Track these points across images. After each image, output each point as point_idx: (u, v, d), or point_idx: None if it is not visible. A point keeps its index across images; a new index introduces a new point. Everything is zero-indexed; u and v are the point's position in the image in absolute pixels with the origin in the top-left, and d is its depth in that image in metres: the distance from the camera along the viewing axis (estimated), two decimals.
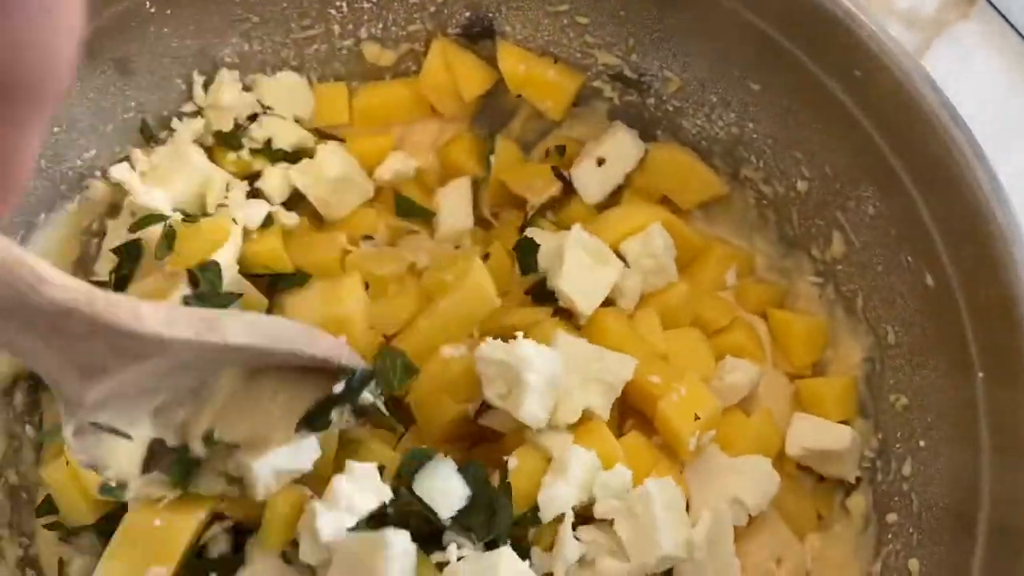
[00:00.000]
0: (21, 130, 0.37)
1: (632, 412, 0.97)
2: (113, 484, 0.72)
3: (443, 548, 0.80)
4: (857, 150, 0.92)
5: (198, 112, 1.01)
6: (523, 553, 0.83)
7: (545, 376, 0.85)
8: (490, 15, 1.06)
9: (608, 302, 0.97)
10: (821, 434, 0.96)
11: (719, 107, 1.03)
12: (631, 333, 0.97)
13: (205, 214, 0.97)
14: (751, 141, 1.03)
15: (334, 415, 0.76)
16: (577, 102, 1.09)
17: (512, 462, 0.87)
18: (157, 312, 0.59)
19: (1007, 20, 1.23)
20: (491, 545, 0.82)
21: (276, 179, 0.99)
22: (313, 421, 0.76)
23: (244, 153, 1.00)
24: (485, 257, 1.00)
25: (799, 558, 0.94)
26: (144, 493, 0.73)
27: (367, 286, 0.97)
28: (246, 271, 0.94)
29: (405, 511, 0.80)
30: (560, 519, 0.85)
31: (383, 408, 0.81)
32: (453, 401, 0.91)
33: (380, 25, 1.06)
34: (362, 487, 0.78)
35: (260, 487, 0.77)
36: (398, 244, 1.07)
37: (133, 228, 0.94)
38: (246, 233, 0.95)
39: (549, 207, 1.08)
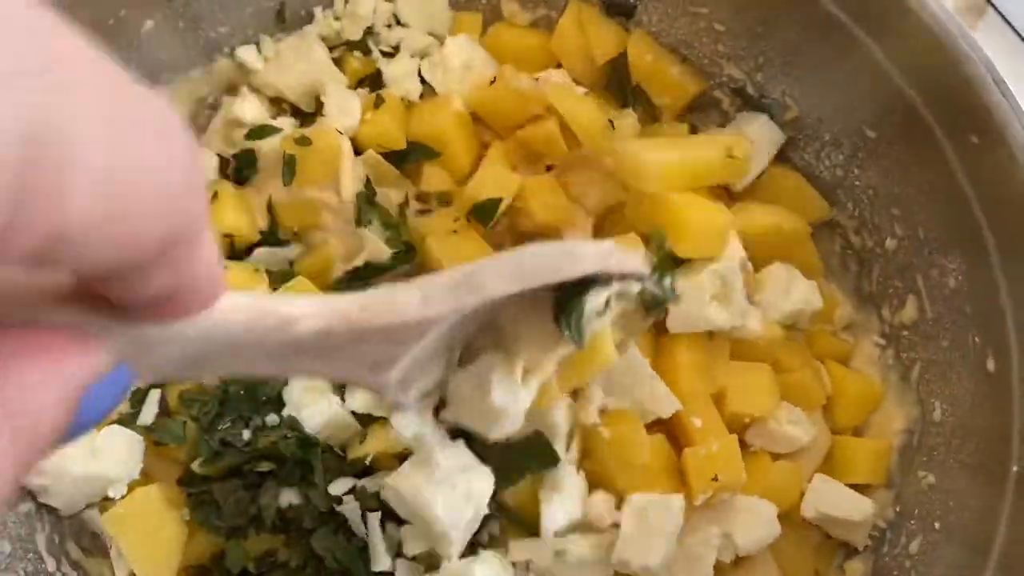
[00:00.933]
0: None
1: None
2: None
3: None
4: (954, 218, 0.90)
5: (336, 17, 1.04)
6: None
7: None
8: (634, 1, 1.07)
9: None
10: (841, 502, 0.94)
11: (830, 146, 1.02)
12: (696, 366, 0.93)
13: (310, 115, 1.01)
14: (852, 187, 1.01)
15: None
16: (692, 107, 1.09)
17: None
18: (412, 296, 0.58)
19: (1016, 32, 1.16)
20: None
21: (401, 68, 1.02)
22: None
23: (371, 56, 1.03)
24: None
25: None
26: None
27: None
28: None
29: None
30: None
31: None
32: None
33: None
34: None
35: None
36: None
37: (249, 136, 0.99)
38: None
39: None
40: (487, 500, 0.77)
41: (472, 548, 0.82)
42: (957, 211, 0.89)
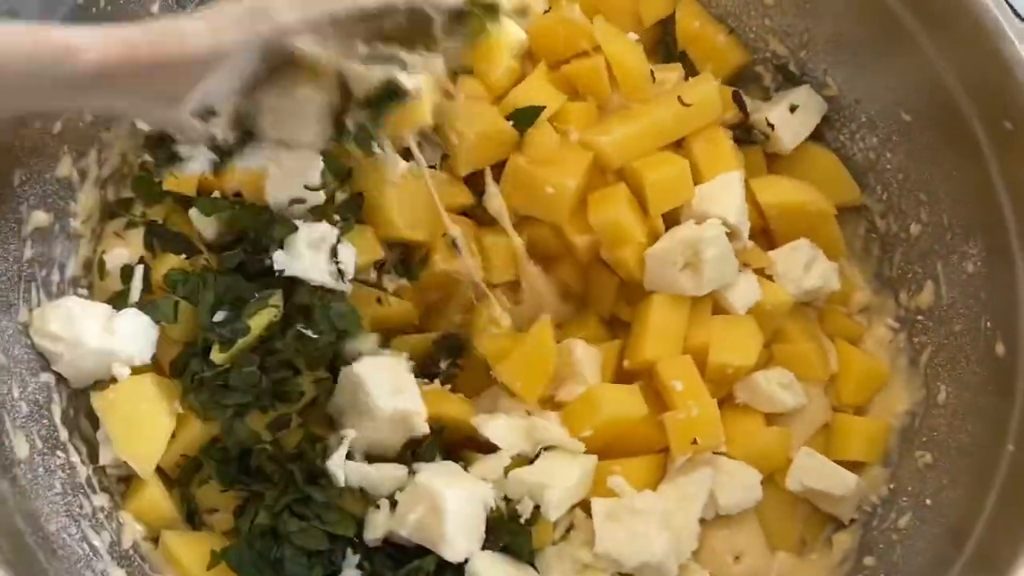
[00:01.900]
0: None
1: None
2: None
3: None
4: (979, 204, 0.90)
5: None
6: None
7: None
8: None
9: None
10: (825, 476, 0.94)
11: (865, 128, 1.03)
12: (665, 327, 0.94)
13: None
14: (883, 171, 1.02)
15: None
16: (733, 80, 1.10)
17: None
18: (200, 26, 0.57)
19: None
20: None
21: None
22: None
23: None
24: None
25: (761, 565, 0.93)
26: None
27: None
28: None
29: None
30: None
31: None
32: None
33: None
34: None
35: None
36: None
37: None
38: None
39: None
40: None
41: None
42: (982, 197, 0.90)
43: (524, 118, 0.97)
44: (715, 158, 0.99)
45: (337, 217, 0.92)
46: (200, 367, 0.86)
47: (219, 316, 0.86)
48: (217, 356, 0.85)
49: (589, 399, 0.90)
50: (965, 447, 0.87)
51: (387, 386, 0.85)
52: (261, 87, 0.69)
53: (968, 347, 0.90)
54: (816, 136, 1.07)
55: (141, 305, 0.89)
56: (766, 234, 1.02)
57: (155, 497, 0.87)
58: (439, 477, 0.84)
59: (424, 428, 0.87)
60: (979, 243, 0.91)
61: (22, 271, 0.87)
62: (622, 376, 0.96)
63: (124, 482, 0.90)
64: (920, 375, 0.96)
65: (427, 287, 0.97)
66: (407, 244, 0.96)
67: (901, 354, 1.00)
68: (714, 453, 0.93)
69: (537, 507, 0.86)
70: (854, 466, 0.96)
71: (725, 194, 0.96)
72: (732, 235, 0.96)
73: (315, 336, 0.86)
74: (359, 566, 0.86)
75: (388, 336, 0.94)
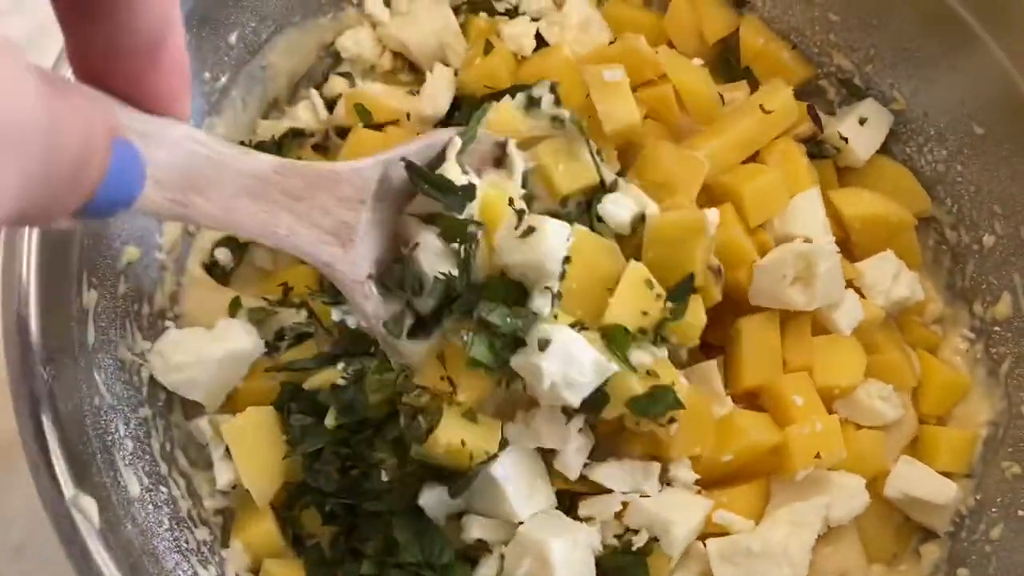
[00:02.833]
0: None
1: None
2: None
3: None
4: None
5: None
6: None
7: None
8: None
9: None
10: (925, 483, 0.95)
11: (933, 140, 1.04)
12: (769, 344, 0.94)
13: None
14: (953, 183, 1.03)
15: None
16: (798, 95, 1.11)
17: None
18: (343, 163, 0.72)
19: None
20: None
21: (520, 27, 1.04)
22: None
23: (494, 17, 1.06)
24: None
25: None
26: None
27: None
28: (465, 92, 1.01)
29: None
30: None
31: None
32: None
33: None
34: None
35: None
36: None
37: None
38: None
39: None
40: None
41: None
42: None
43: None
44: (792, 174, 1.00)
45: None
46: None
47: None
48: (330, 422, 0.85)
49: (731, 426, 0.90)
50: None
51: (524, 489, 0.84)
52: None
53: None
54: (883, 149, 1.07)
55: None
56: (845, 247, 1.02)
57: (269, 526, 0.88)
58: (543, 527, 0.83)
59: None
60: None
61: (117, 307, 0.88)
62: None
63: (220, 514, 0.91)
64: (1000, 385, 0.97)
65: None
66: None
67: (979, 364, 1.01)
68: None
69: (653, 539, 0.85)
70: None
71: (807, 212, 0.97)
72: None
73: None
74: None
75: None
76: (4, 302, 0.76)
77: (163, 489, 0.86)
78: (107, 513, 0.77)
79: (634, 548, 0.85)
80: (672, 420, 0.84)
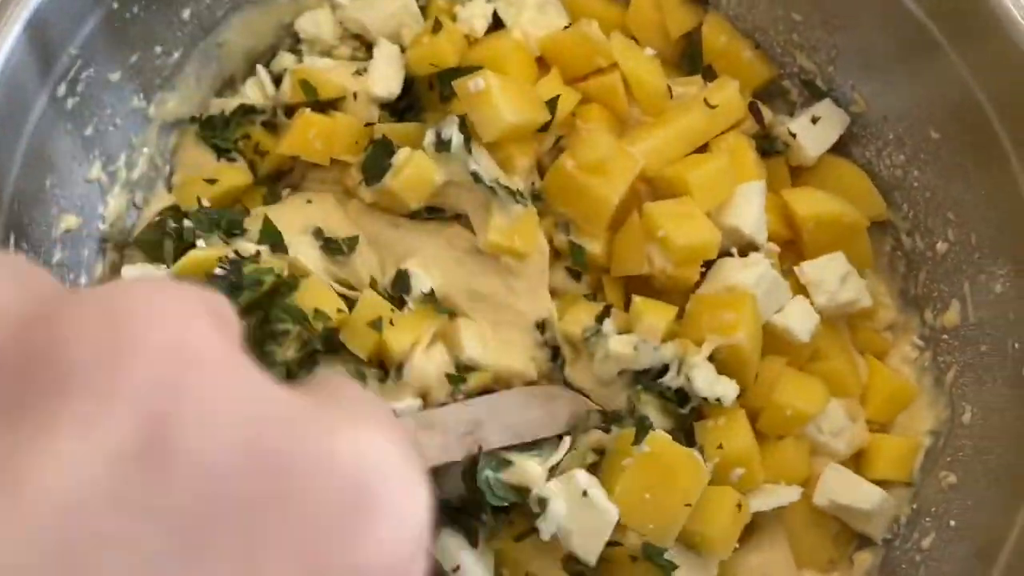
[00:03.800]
0: None
1: None
2: None
3: None
4: (1009, 224, 0.90)
5: None
6: None
7: None
8: None
9: None
10: (851, 490, 0.94)
11: (892, 145, 1.02)
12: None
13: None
14: (910, 189, 1.02)
15: None
16: (760, 94, 1.10)
17: None
18: (434, 444, 0.79)
19: None
20: None
21: (477, 9, 1.03)
22: None
23: None
24: None
25: None
26: None
27: None
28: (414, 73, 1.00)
29: None
30: None
31: None
32: None
33: None
34: None
35: None
36: None
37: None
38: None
39: None
40: None
41: None
42: (1012, 217, 0.89)
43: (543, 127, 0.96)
44: (739, 165, 0.99)
45: None
46: None
47: None
48: None
49: None
50: (991, 469, 0.86)
51: None
52: None
53: (995, 368, 0.90)
54: (843, 152, 1.06)
55: None
56: (796, 248, 1.01)
57: None
58: None
59: None
60: (1007, 263, 0.90)
61: (52, 275, 0.87)
62: None
63: None
64: (945, 394, 0.96)
65: None
66: None
67: (926, 373, 0.99)
68: None
69: None
70: (880, 485, 0.95)
71: (744, 204, 0.96)
72: (749, 246, 0.97)
73: None
74: None
75: None
76: None
77: None
78: None
79: None
80: None
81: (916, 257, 1.02)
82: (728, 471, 0.89)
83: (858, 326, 1.03)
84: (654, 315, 0.92)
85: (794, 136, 1.03)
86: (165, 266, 0.90)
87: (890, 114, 1.02)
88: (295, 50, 1.07)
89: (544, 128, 0.97)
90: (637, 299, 0.94)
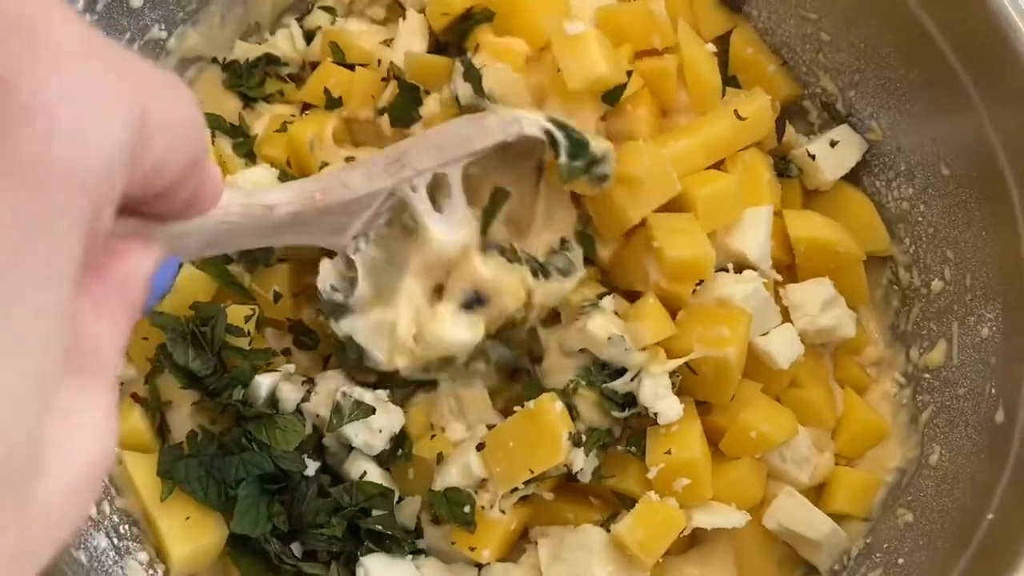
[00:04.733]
0: None
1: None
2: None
3: None
4: (1004, 270, 0.88)
5: None
6: None
7: None
8: None
9: None
10: (802, 517, 0.91)
11: (902, 177, 1.01)
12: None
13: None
14: (915, 223, 1.00)
15: None
16: (779, 113, 1.09)
17: None
18: (358, 176, 0.77)
19: None
20: None
21: None
22: None
23: None
24: None
25: None
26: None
27: None
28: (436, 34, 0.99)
29: None
30: None
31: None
32: None
33: None
34: None
35: None
36: None
37: None
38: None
39: None
40: None
41: None
42: (1008, 262, 0.87)
43: (611, 96, 0.93)
44: (751, 186, 0.97)
45: None
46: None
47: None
48: None
49: None
50: (947, 511, 0.84)
51: None
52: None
53: (969, 411, 0.88)
54: (854, 181, 1.05)
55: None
56: (791, 270, 1.00)
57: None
58: None
59: None
60: (998, 308, 0.88)
61: None
62: None
63: None
64: (918, 433, 0.94)
65: None
66: None
67: (903, 410, 0.97)
68: None
69: None
70: (838, 518, 0.93)
71: (751, 228, 0.94)
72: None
73: None
74: None
75: None
76: None
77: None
78: None
79: None
80: None
81: (911, 293, 1.00)
82: (672, 479, 0.87)
83: (843, 359, 1.01)
84: (651, 324, 0.89)
85: (813, 158, 1.01)
86: None
87: (904, 145, 1.00)
88: (326, 7, 1.08)
89: (611, 98, 0.93)
90: (649, 299, 0.91)
